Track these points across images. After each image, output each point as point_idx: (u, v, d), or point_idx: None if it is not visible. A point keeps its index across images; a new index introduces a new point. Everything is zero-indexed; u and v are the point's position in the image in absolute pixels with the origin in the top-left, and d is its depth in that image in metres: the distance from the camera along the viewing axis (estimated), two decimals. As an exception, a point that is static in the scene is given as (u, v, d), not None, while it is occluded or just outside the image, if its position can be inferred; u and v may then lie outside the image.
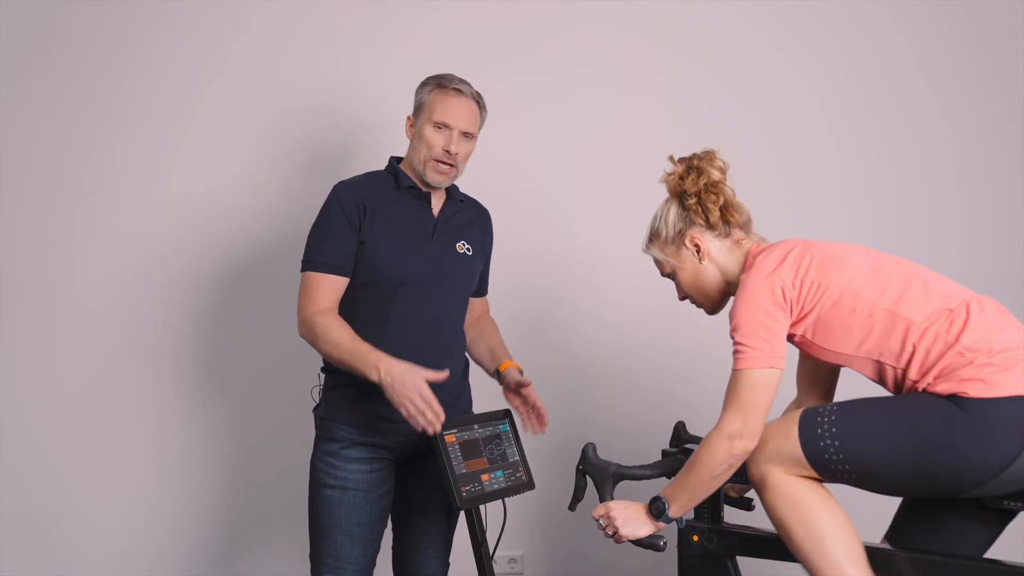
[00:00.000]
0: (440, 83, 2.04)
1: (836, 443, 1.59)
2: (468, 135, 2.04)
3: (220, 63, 2.84)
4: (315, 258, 2.00)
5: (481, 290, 2.25)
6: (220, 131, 2.83)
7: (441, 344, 2.05)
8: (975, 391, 1.52)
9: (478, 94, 2.08)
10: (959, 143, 2.87)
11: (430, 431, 1.84)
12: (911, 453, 1.55)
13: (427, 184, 2.06)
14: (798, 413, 1.66)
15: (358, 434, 2.01)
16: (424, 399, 1.83)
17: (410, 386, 1.83)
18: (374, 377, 1.85)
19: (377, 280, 2.00)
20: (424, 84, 2.07)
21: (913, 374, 1.62)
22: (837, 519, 1.61)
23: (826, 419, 1.61)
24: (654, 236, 1.91)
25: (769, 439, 1.65)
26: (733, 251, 1.85)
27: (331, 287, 1.99)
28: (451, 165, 2.02)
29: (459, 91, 2.03)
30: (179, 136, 2.83)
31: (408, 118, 2.09)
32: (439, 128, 2.01)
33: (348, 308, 2.02)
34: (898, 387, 1.68)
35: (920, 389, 1.61)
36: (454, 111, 2.01)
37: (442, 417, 1.85)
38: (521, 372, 2.14)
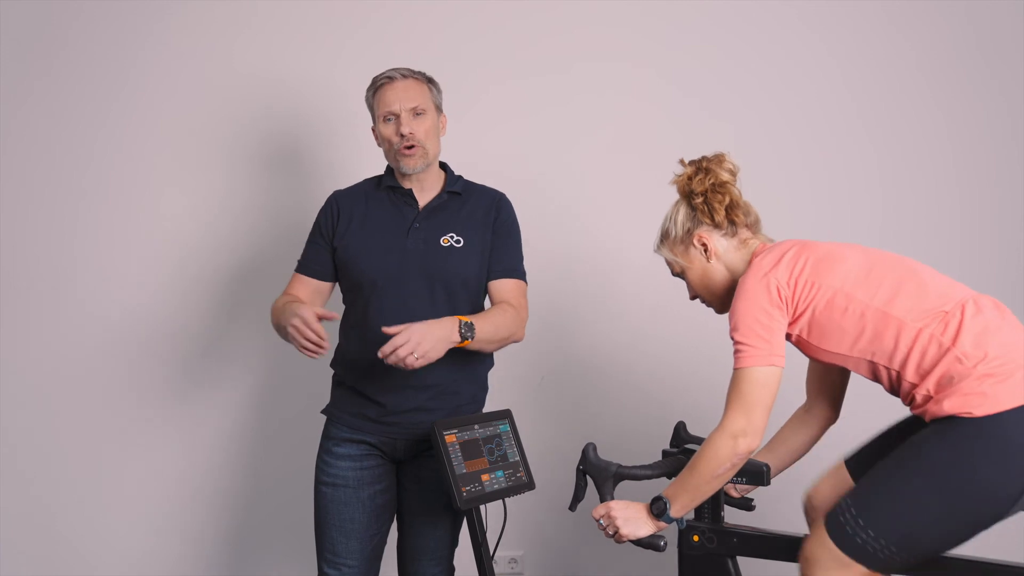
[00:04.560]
0: (373, 83, 2.10)
1: (870, 532, 1.58)
2: (417, 111, 2.05)
3: (220, 63, 2.84)
4: (300, 259, 2.16)
5: (496, 272, 2.09)
6: (220, 131, 2.83)
7: None
8: (979, 409, 1.53)
9: (418, 72, 2.10)
10: (959, 143, 2.87)
11: (316, 353, 1.87)
12: (942, 504, 1.54)
13: (408, 178, 2.08)
14: (820, 523, 1.66)
15: (349, 431, 2.05)
16: (305, 322, 1.86)
17: (294, 314, 1.88)
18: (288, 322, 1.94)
19: (353, 283, 2.07)
20: (366, 93, 2.13)
21: (911, 376, 1.63)
22: None
23: (848, 515, 1.61)
24: (664, 237, 1.94)
25: (813, 559, 1.64)
26: (740, 250, 1.87)
27: (303, 284, 2.13)
28: (413, 146, 2.03)
29: (390, 78, 2.07)
30: (180, 136, 2.83)
31: (372, 130, 2.14)
32: (388, 120, 2.06)
33: (343, 316, 2.12)
34: (894, 388, 1.69)
35: (921, 395, 1.62)
36: (390, 96, 2.05)
37: (325, 346, 1.87)
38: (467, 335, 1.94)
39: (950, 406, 1.56)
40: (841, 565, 1.61)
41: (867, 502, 1.61)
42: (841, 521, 1.62)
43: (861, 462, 1.81)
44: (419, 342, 1.83)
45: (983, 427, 1.52)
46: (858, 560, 1.60)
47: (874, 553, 1.59)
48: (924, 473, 1.56)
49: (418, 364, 1.84)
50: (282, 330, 1.99)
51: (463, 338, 1.91)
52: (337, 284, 2.16)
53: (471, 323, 1.93)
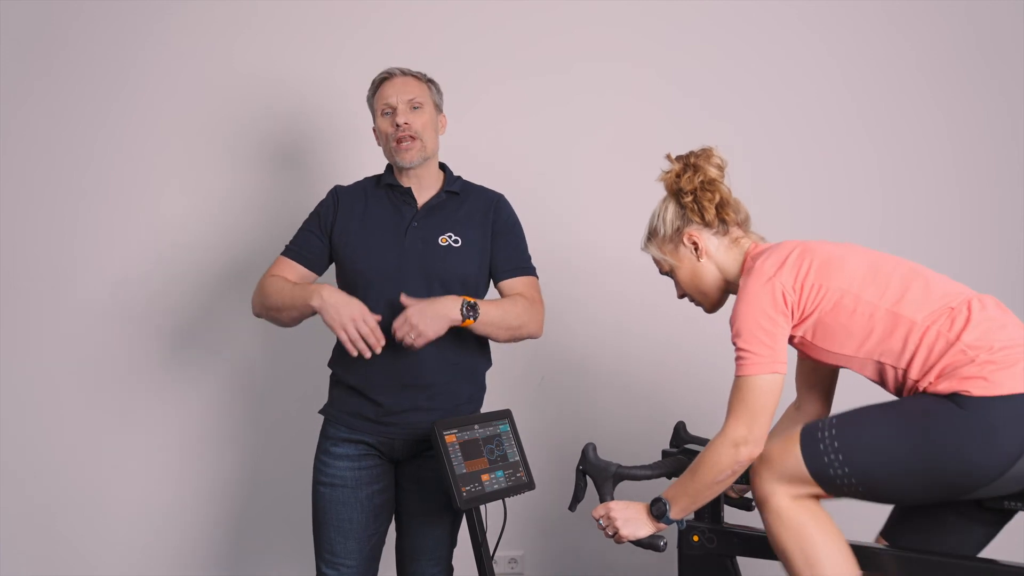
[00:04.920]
0: (373, 82, 2.13)
1: (839, 457, 1.58)
2: (414, 104, 2.07)
3: (220, 63, 2.84)
4: (289, 245, 2.14)
5: (504, 272, 2.11)
6: (220, 131, 2.83)
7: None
8: (977, 389, 1.52)
9: (417, 72, 2.12)
10: (959, 142, 2.87)
11: (367, 355, 1.89)
12: (915, 459, 1.54)
13: (406, 174, 2.08)
14: (798, 430, 1.65)
15: (347, 431, 2.05)
16: (369, 326, 1.88)
17: (355, 309, 1.88)
18: (315, 303, 1.92)
19: (351, 281, 2.06)
20: (367, 94, 2.15)
21: (914, 373, 1.61)
22: (835, 550, 1.60)
23: (827, 433, 1.60)
24: (652, 234, 1.91)
25: (772, 458, 1.64)
26: (731, 249, 1.85)
27: (291, 269, 2.10)
28: (411, 137, 2.04)
29: (389, 74, 2.10)
30: (180, 136, 2.83)
31: (373, 130, 2.15)
32: (385, 114, 2.08)
33: None
34: (899, 388, 1.68)
35: (921, 388, 1.61)
36: (389, 91, 2.08)
37: (382, 341, 1.89)
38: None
39: (947, 387, 1.55)
40: (795, 477, 1.61)
41: (849, 431, 1.60)
42: (818, 437, 1.61)
43: None
44: (416, 322, 1.87)
45: (977, 406, 1.51)
46: (815, 477, 1.60)
47: (834, 478, 1.59)
48: (912, 429, 1.56)
49: (418, 343, 1.89)
50: (291, 310, 2.00)
51: (464, 317, 1.92)
52: (321, 277, 2.15)
53: (475, 303, 1.95)
